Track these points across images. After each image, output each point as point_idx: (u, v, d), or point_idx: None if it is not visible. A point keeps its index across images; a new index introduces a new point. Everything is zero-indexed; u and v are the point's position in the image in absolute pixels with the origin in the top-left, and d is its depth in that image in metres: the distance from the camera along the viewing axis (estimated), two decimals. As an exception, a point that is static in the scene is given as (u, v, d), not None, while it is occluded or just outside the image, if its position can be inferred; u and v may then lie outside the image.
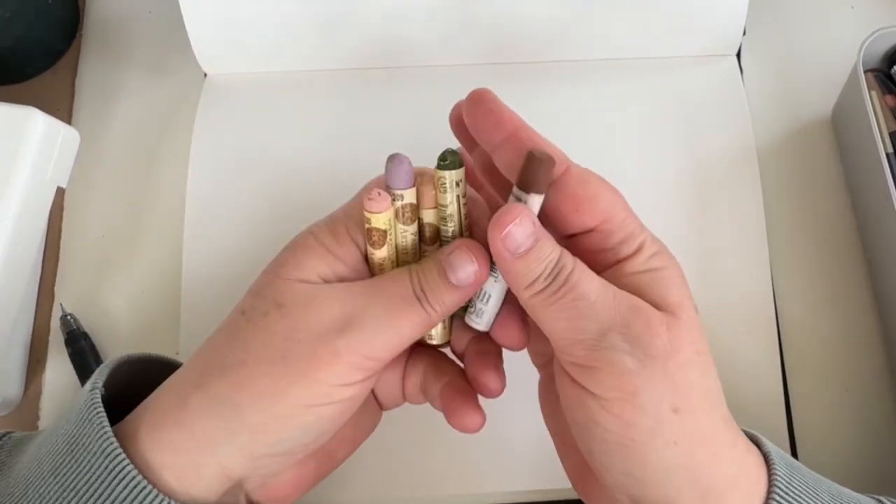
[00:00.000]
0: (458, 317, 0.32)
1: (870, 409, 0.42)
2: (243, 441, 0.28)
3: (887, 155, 0.41)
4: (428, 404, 0.34)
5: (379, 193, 0.29)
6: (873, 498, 0.31)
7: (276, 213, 0.45)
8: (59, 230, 0.46)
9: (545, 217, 0.29)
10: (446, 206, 0.30)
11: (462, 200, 0.30)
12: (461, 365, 0.33)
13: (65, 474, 0.28)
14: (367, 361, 0.28)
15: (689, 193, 0.45)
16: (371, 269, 0.31)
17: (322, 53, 0.47)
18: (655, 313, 0.27)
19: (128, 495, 0.27)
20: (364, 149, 0.44)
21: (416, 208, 0.30)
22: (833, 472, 0.32)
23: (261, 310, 0.29)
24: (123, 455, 0.27)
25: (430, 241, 0.31)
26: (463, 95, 0.31)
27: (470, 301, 0.31)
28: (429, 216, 0.30)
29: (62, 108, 0.49)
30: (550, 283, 0.27)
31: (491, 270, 0.30)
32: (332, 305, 0.28)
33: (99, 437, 0.28)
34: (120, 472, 0.27)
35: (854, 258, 0.45)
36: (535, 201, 0.28)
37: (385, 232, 0.29)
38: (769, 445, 0.30)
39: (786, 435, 0.41)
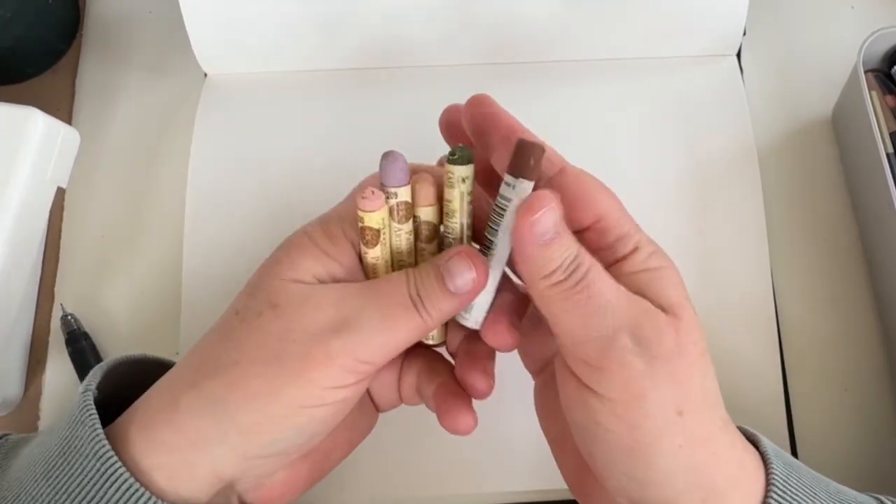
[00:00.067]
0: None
1: (870, 409, 0.42)
2: (235, 441, 0.28)
3: (887, 155, 0.41)
4: (440, 424, 0.34)
5: (373, 192, 0.29)
6: (872, 497, 0.31)
7: (276, 213, 0.45)
8: (60, 230, 0.46)
9: None
10: (451, 201, 0.29)
11: (468, 198, 0.30)
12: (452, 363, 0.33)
13: (57, 476, 0.28)
14: (361, 364, 0.28)
15: (689, 193, 0.45)
16: (364, 269, 0.30)
17: (322, 53, 0.47)
18: (662, 316, 0.27)
19: (119, 497, 0.27)
20: (364, 148, 0.43)
21: (410, 207, 0.30)
22: (833, 471, 0.32)
23: (255, 310, 0.29)
24: (115, 457, 0.27)
25: (427, 240, 0.30)
26: (463, 95, 0.31)
27: None
28: (426, 214, 0.30)
29: (62, 108, 0.49)
30: (568, 277, 0.27)
31: None
32: (327, 306, 0.28)
33: (90, 439, 0.28)
34: (111, 474, 0.27)
35: (854, 258, 0.45)
36: (526, 188, 0.28)
37: (378, 231, 0.29)
38: (767, 444, 0.30)
39: (786, 435, 0.41)
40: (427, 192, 0.30)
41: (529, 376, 0.34)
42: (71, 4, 0.51)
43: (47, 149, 0.39)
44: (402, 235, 0.30)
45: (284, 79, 0.48)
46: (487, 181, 0.32)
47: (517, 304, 0.32)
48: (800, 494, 0.28)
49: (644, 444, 0.26)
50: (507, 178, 0.28)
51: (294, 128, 0.47)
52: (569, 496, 0.39)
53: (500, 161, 0.29)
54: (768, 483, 0.28)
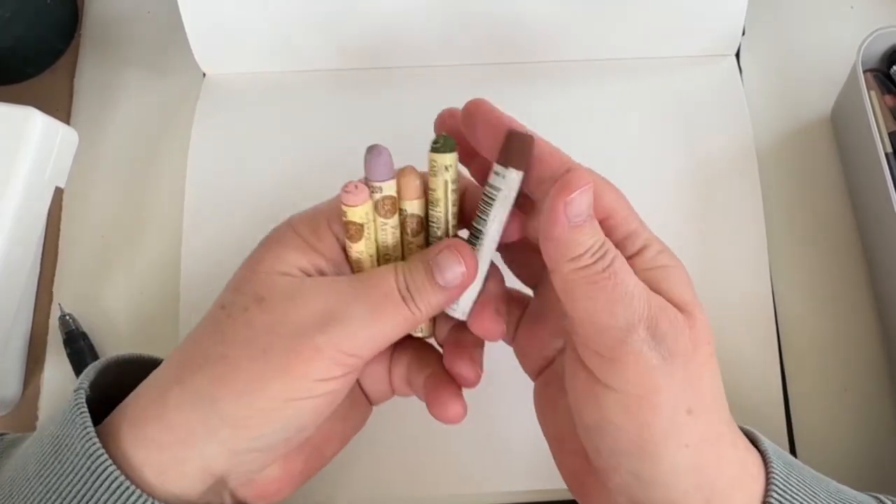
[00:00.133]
0: None
1: (869, 409, 0.42)
2: (223, 436, 0.28)
3: (886, 155, 0.41)
4: (425, 406, 0.34)
5: (356, 186, 0.28)
6: (872, 496, 0.31)
7: (275, 213, 0.44)
8: (58, 230, 0.46)
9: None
10: (435, 189, 0.29)
11: (452, 186, 0.29)
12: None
13: (48, 476, 0.28)
14: (349, 357, 0.28)
15: (688, 193, 0.45)
16: (349, 263, 0.30)
17: (321, 53, 0.47)
18: (679, 315, 0.27)
19: (110, 496, 0.27)
20: (363, 148, 0.44)
21: (396, 201, 0.30)
22: (832, 471, 0.32)
23: (241, 304, 0.29)
24: (105, 455, 0.27)
25: (414, 233, 0.30)
26: (463, 95, 0.31)
27: None
28: (412, 207, 0.30)
29: (61, 108, 0.49)
30: (596, 262, 0.27)
31: None
32: (315, 300, 0.28)
33: (81, 438, 0.28)
34: (102, 472, 0.27)
35: (854, 258, 0.45)
36: (515, 178, 0.28)
37: (362, 226, 0.29)
38: (767, 443, 0.30)
39: (785, 435, 0.41)
40: (413, 186, 0.29)
41: (528, 376, 0.34)
42: (70, 4, 0.51)
43: (46, 149, 0.39)
44: (387, 230, 0.30)
45: (283, 79, 0.48)
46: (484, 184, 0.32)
47: (503, 293, 0.32)
48: (800, 494, 0.28)
49: (652, 443, 0.26)
50: (497, 167, 0.28)
51: (293, 127, 0.47)
52: (568, 496, 0.39)
53: (491, 153, 0.29)
54: (768, 482, 0.28)
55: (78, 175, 0.46)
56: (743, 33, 0.47)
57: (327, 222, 0.30)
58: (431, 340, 0.34)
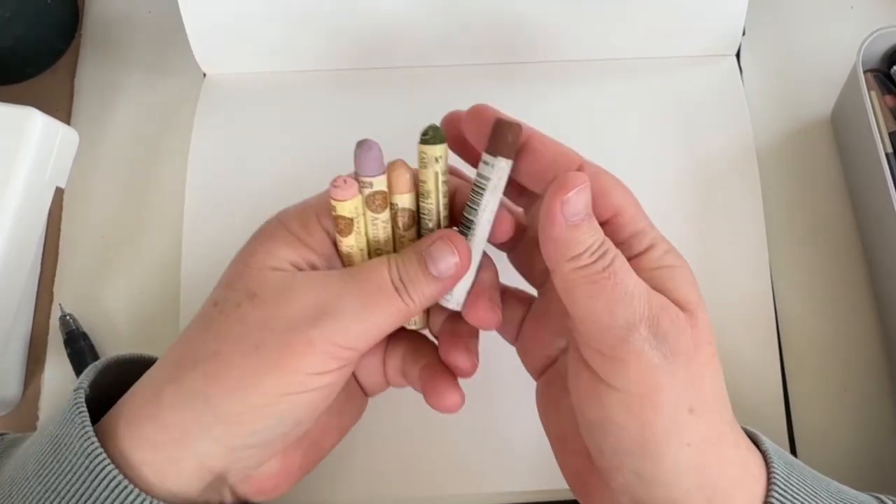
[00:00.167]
0: None
1: (869, 409, 0.42)
2: (218, 433, 0.28)
3: (887, 155, 0.41)
4: (426, 405, 0.34)
5: (345, 181, 0.28)
6: (873, 496, 0.31)
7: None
8: (59, 230, 0.46)
9: None
10: (425, 181, 0.29)
11: (442, 178, 0.29)
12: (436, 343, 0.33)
13: (47, 475, 0.28)
14: (343, 351, 0.28)
15: (688, 193, 0.45)
16: (340, 257, 0.30)
17: (322, 53, 0.47)
18: (681, 314, 0.27)
19: (108, 495, 0.27)
20: (363, 149, 0.44)
21: (386, 196, 0.29)
22: (832, 471, 0.32)
23: (233, 301, 0.29)
24: (103, 454, 0.27)
25: (405, 227, 0.30)
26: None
27: None
28: (403, 201, 0.30)
29: (61, 109, 0.49)
30: (596, 262, 0.27)
31: None
32: (307, 294, 0.28)
33: (80, 437, 0.28)
34: (100, 471, 0.27)
35: (854, 258, 0.45)
36: (504, 166, 0.28)
37: (352, 220, 0.29)
38: (768, 443, 0.30)
39: (785, 435, 0.41)
40: (404, 180, 0.29)
41: (529, 377, 0.34)
42: (70, 4, 0.51)
43: (46, 149, 0.39)
44: (378, 224, 0.30)
45: (284, 79, 0.48)
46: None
47: (497, 283, 0.32)
48: (801, 494, 0.28)
49: (654, 441, 0.27)
50: (485, 156, 0.28)
51: (293, 128, 0.47)
52: (570, 496, 0.39)
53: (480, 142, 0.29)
54: (769, 482, 0.28)
55: (78, 175, 0.46)
56: (743, 33, 0.47)
57: (316, 217, 0.30)
58: (425, 332, 0.34)
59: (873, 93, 0.43)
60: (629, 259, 0.29)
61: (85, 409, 0.28)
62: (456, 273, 0.29)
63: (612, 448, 0.28)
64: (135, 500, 0.27)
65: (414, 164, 0.30)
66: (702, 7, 0.45)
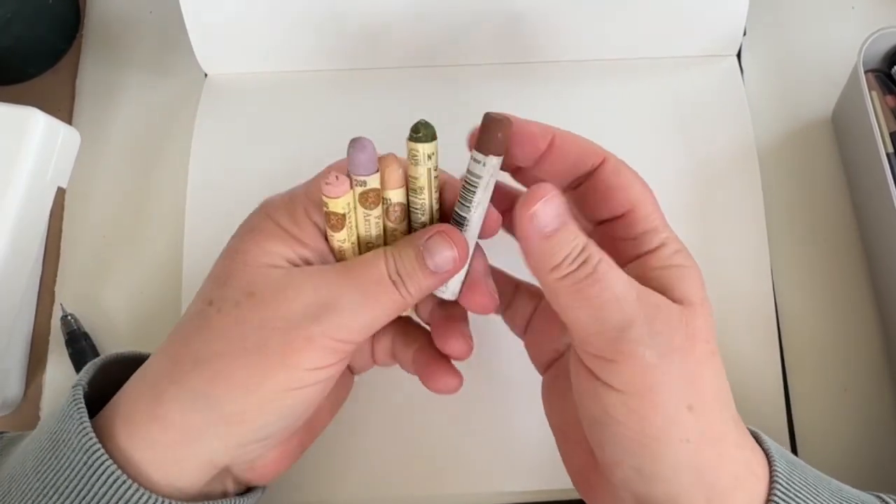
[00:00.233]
0: None
1: (869, 409, 0.42)
2: (224, 431, 0.28)
3: (888, 155, 0.41)
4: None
5: (336, 178, 0.28)
6: (874, 495, 0.31)
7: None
8: (60, 230, 0.46)
9: (579, 203, 0.30)
10: (417, 178, 0.29)
11: (434, 174, 0.29)
12: (427, 328, 0.34)
13: (45, 471, 0.28)
14: (342, 345, 0.29)
15: (689, 193, 0.45)
16: (332, 251, 0.30)
17: (322, 53, 0.47)
18: (675, 311, 0.27)
19: (106, 491, 0.27)
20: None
21: (379, 193, 0.29)
22: (833, 471, 0.32)
23: (231, 300, 0.29)
24: (101, 450, 0.27)
25: (398, 220, 0.30)
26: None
27: None
28: (396, 196, 0.30)
29: (63, 108, 0.49)
30: (578, 269, 0.27)
31: None
32: (306, 292, 0.28)
33: (78, 433, 0.28)
34: (98, 466, 0.27)
35: (854, 258, 0.45)
36: (495, 163, 0.28)
37: (344, 216, 0.29)
38: (769, 442, 0.30)
39: (786, 434, 0.41)
40: (397, 176, 0.29)
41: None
42: (71, 4, 0.51)
43: (47, 149, 0.39)
44: (371, 220, 0.30)
45: (285, 78, 0.48)
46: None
47: (489, 269, 0.32)
48: (803, 492, 0.28)
49: (653, 438, 0.27)
50: (476, 154, 0.28)
51: (294, 127, 0.47)
52: (571, 496, 0.39)
53: (550, 171, 0.31)
54: (772, 481, 0.28)
55: (80, 175, 0.46)
56: (744, 33, 0.47)
57: (305, 211, 0.30)
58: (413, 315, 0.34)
59: (874, 93, 0.43)
60: (638, 256, 0.29)
61: (83, 405, 0.28)
62: (454, 267, 0.29)
63: (612, 444, 0.28)
64: (132, 494, 0.27)
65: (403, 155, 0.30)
66: (702, 7, 0.45)
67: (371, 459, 0.40)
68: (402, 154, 0.31)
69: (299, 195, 0.30)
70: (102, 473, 0.27)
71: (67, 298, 0.45)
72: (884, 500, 0.31)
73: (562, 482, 0.39)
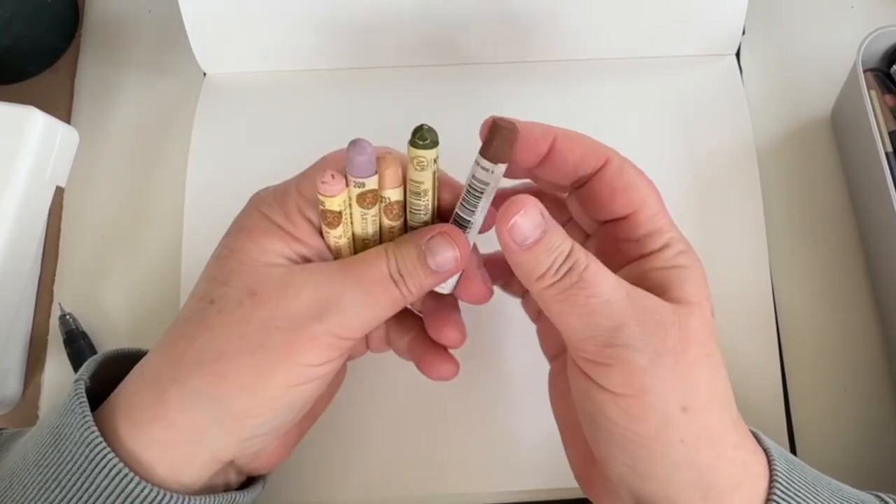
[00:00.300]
0: None
1: (869, 409, 0.42)
2: (228, 429, 0.28)
3: (887, 154, 0.41)
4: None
5: (332, 176, 0.28)
6: (874, 495, 0.31)
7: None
8: (59, 230, 0.46)
9: (583, 202, 0.30)
10: (422, 182, 0.29)
11: (436, 175, 0.30)
12: (420, 315, 0.34)
13: (47, 465, 0.28)
14: (343, 341, 0.29)
15: (688, 193, 0.45)
16: (328, 246, 0.31)
17: (322, 53, 0.47)
18: (668, 314, 0.27)
19: (108, 484, 0.27)
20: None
21: (377, 193, 0.29)
22: (832, 471, 0.32)
23: (234, 299, 0.29)
24: (104, 443, 0.27)
25: (395, 217, 0.30)
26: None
27: None
28: (394, 194, 0.30)
29: (61, 108, 0.49)
30: (563, 278, 0.27)
31: None
32: (307, 290, 0.28)
33: (80, 427, 0.28)
34: (101, 460, 0.27)
35: (854, 258, 0.45)
36: (502, 169, 0.28)
37: (340, 213, 0.29)
38: (769, 442, 0.30)
39: (785, 434, 0.41)
40: (396, 176, 0.29)
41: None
42: (70, 3, 0.51)
43: (46, 148, 0.39)
44: (368, 218, 0.30)
45: (284, 78, 0.48)
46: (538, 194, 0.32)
47: (481, 261, 0.33)
48: (802, 492, 0.28)
49: (646, 438, 0.27)
50: (483, 161, 0.28)
51: (293, 127, 0.47)
52: (570, 495, 0.39)
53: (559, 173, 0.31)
54: (771, 480, 0.28)
55: (78, 174, 0.46)
56: (743, 33, 0.47)
57: (298, 208, 0.30)
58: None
59: (873, 92, 0.43)
60: (641, 257, 0.29)
61: (86, 399, 0.29)
62: (455, 267, 0.30)
63: (607, 442, 0.28)
64: (133, 488, 0.27)
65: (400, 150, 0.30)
66: (702, 6, 0.45)
67: (371, 459, 0.40)
68: (399, 149, 0.31)
69: (291, 191, 0.30)
70: (104, 467, 0.27)
71: (66, 298, 0.45)
72: (883, 500, 0.31)
73: (561, 482, 0.39)
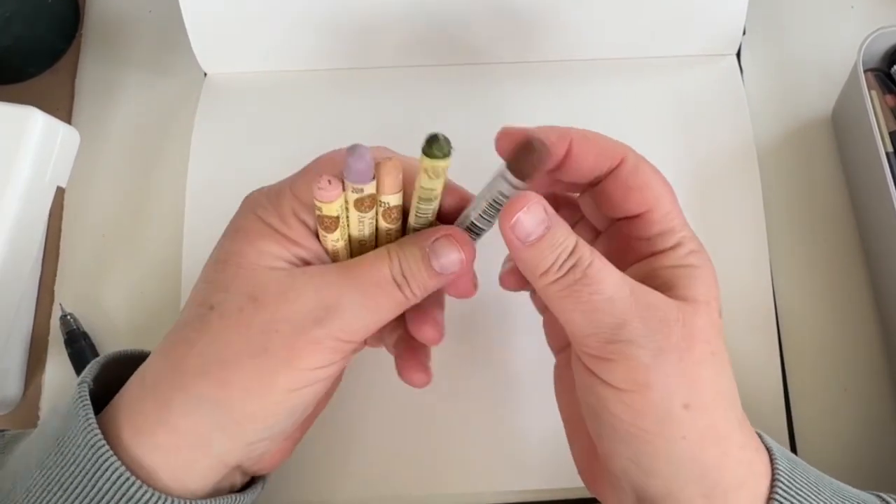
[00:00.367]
0: None
1: (869, 409, 0.42)
2: (233, 433, 0.28)
3: (887, 154, 0.41)
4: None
5: (329, 181, 0.28)
6: (874, 495, 0.31)
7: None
8: (59, 230, 0.46)
9: (597, 200, 0.30)
10: (433, 189, 0.29)
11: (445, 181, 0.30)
12: None
13: (50, 467, 0.28)
14: (346, 344, 0.29)
15: (688, 193, 0.45)
16: (325, 249, 0.30)
17: (323, 52, 0.47)
18: (672, 311, 0.27)
19: (110, 487, 0.27)
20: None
21: (375, 197, 0.29)
22: (833, 471, 0.32)
23: (235, 304, 0.28)
24: (107, 447, 0.27)
25: (393, 221, 0.30)
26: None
27: None
28: (393, 199, 0.30)
29: (62, 108, 0.49)
30: (567, 274, 0.27)
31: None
32: (309, 294, 0.28)
33: (84, 430, 0.28)
34: (104, 464, 0.27)
35: (854, 258, 0.45)
36: (525, 185, 0.28)
37: (337, 218, 0.29)
38: (770, 442, 0.30)
39: (786, 434, 0.41)
40: (396, 181, 0.29)
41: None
42: (70, 4, 0.51)
43: (47, 148, 0.39)
44: (365, 221, 0.30)
45: (284, 78, 0.48)
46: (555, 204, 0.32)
47: (443, 300, 0.33)
48: (804, 491, 0.28)
49: (649, 434, 0.27)
50: (512, 179, 0.28)
51: (294, 127, 0.47)
52: (570, 496, 0.39)
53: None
54: (773, 479, 0.28)
55: (79, 175, 0.46)
56: (744, 33, 0.47)
57: (292, 210, 0.30)
58: None
59: (874, 92, 0.43)
60: (652, 254, 0.29)
61: (89, 403, 0.29)
62: (460, 269, 0.30)
63: (610, 436, 0.28)
64: (136, 491, 0.27)
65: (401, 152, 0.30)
66: (702, 6, 0.45)
67: (371, 459, 0.40)
68: (400, 150, 0.31)
69: (285, 193, 0.30)
70: (108, 471, 0.27)
71: (67, 298, 0.45)
72: (884, 500, 0.31)
73: (562, 481, 0.39)
